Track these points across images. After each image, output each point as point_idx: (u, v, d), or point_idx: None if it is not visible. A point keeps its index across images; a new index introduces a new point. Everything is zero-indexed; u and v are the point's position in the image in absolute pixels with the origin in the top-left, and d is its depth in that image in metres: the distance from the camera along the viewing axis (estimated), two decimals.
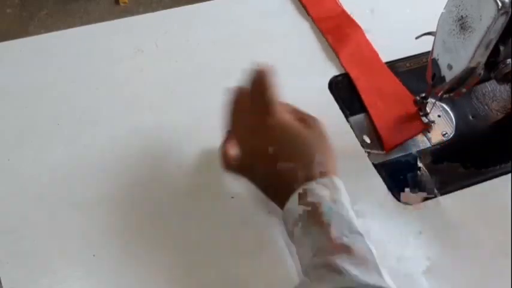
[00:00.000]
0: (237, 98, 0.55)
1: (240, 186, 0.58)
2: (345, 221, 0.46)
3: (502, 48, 0.54)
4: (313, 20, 0.73)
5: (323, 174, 0.49)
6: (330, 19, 0.73)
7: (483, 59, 0.54)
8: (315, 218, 0.47)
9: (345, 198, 0.49)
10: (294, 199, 0.48)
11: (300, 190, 0.48)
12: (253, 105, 0.53)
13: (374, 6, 0.76)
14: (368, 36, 0.72)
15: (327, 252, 0.45)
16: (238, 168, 0.54)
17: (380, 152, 0.62)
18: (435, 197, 0.59)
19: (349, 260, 0.44)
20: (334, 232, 0.45)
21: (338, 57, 0.69)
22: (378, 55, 0.70)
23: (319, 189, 0.48)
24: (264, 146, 0.51)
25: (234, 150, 0.54)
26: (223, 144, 0.55)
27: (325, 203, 0.47)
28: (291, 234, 0.50)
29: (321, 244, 0.46)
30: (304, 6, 0.74)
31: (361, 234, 0.46)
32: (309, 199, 0.47)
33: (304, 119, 0.54)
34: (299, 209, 0.48)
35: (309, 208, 0.47)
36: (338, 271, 0.43)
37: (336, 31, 0.72)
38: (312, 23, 0.74)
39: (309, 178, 0.49)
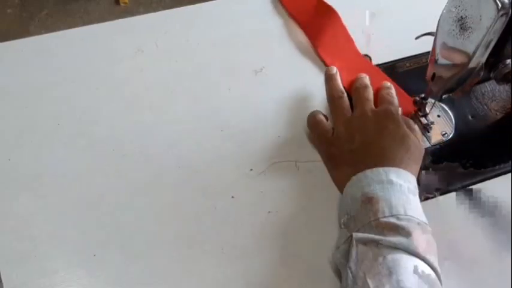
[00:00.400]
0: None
1: (240, 187, 0.58)
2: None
3: (501, 48, 0.54)
4: (292, 16, 0.73)
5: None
6: (306, 12, 0.73)
7: (483, 59, 0.54)
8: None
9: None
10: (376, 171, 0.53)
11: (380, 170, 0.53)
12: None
13: (374, 6, 0.76)
14: (368, 36, 0.72)
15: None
16: (327, 135, 0.60)
17: None
18: (434, 196, 0.59)
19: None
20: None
21: (317, 52, 0.70)
22: (353, 43, 0.71)
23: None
24: (368, 129, 0.57)
25: (327, 124, 0.61)
26: (320, 115, 0.61)
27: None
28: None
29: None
30: (283, 6, 0.75)
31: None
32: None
33: (411, 127, 0.60)
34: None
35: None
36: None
37: (312, 24, 0.72)
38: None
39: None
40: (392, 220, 0.49)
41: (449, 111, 0.66)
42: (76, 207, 0.56)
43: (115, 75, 0.67)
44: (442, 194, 0.59)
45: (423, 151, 0.58)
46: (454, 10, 0.53)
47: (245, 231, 0.55)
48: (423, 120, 0.64)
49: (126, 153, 0.60)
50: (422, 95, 0.63)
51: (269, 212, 0.56)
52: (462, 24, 0.52)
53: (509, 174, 0.61)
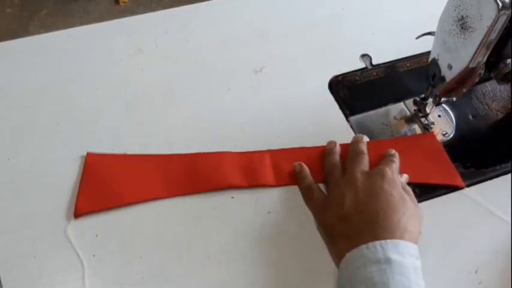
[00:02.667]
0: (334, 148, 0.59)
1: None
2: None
3: (502, 48, 0.54)
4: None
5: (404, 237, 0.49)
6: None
7: (483, 59, 0.53)
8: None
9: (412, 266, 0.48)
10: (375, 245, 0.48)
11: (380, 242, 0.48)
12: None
13: (374, 6, 0.76)
14: (369, 36, 0.72)
15: None
16: (319, 204, 0.55)
17: None
18: (435, 196, 0.59)
19: None
20: None
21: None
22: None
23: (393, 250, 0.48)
24: (362, 195, 0.52)
25: (320, 192, 0.57)
26: (310, 182, 0.57)
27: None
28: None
29: None
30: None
31: None
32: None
33: (406, 189, 0.55)
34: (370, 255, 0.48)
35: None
36: None
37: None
38: (312, 24, 0.74)
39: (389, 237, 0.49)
40: None
41: (450, 111, 0.66)
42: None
43: (115, 75, 0.66)
44: (442, 193, 0.59)
45: (422, 216, 0.53)
46: (454, 10, 0.53)
47: (245, 231, 0.55)
48: (424, 120, 0.64)
49: (126, 153, 0.60)
50: (423, 95, 0.63)
51: (269, 212, 0.56)
52: (462, 24, 0.52)
53: (510, 174, 0.61)
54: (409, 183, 0.57)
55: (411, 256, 0.48)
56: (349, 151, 0.58)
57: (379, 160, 0.58)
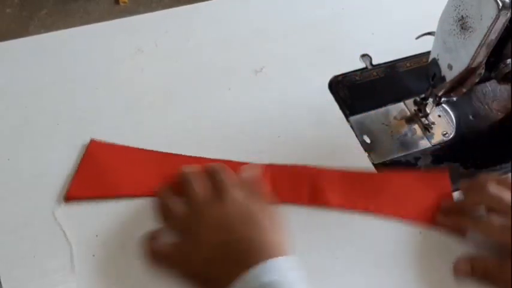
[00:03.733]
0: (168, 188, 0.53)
1: None
2: None
3: (502, 48, 0.54)
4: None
5: (276, 254, 0.46)
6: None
7: (483, 59, 0.53)
8: None
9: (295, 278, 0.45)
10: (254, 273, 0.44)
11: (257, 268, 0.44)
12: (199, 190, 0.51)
13: (374, 6, 0.76)
14: (369, 36, 0.72)
15: None
16: (172, 256, 0.49)
17: None
18: None
19: None
20: None
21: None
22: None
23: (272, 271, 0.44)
24: (213, 229, 0.48)
25: (165, 238, 0.51)
26: (150, 234, 0.51)
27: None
28: None
29: None
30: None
31: None
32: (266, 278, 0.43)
33: (252, 191, 0.52)
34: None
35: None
36: None
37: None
38: (312, 24, 0.74)
39: (262, 258, 0.45)
40: None
41: (450, 111, 0.66)
42: (76, 207, 0.55)
43: (115, 75, 0.66)
44: None
45: (275, 213, 0.50)
46: (454, 10, 0.53)
47: None
48: (424, 120, 0.64)
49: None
50: (423, 95, 0.63)
51: None
52: (463, 24, 0.52)
53: (510, 174, 0.61)
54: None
55: (287, 271, 0.45)
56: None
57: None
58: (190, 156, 0.59)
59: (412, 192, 0.58)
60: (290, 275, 0.44)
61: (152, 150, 0.59)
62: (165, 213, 0.52)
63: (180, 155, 0.59)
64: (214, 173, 0.52)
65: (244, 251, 0.46)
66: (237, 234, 0.47)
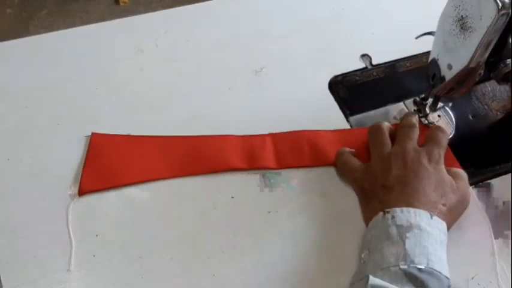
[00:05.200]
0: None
1: (240, 187, 0.58)
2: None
3: (502, 48, 0.54)
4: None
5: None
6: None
7: (483, 59, 0.54)
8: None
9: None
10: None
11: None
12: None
13: (374, 6, 0.76)
14: (369, 36, 0.72)
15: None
16: (360, 169, 0.57)
17: None
18: None
19: None
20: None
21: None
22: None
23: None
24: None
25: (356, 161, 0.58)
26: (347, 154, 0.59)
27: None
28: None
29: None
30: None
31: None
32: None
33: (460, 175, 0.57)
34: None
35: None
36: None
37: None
38: (312, 24, 0.74)
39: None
40: (413, 271, 0.46)
41: (449, 112, 0.66)
42: (76, 207, 0.55)
43: (115, 75, 0.66)
44: None
45: (467, 203, 0.56)
46: (454, 10, 0.53)
47: (245, 231, 0.55)
48: (424, 120, 0.64)
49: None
50: (423, 95, 0.63)
51: (269, 212, 0.56)
52: (462, 24, 0.52)
53: (510, 174, 0.61)
54: None
55: (440, 231, 0.50)
56: (401, 124, 0.60)
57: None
58: (192, 136, 0.61)
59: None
60: (443, 238, 0.51)
61: (151, 136, 0.61)
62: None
63: (182, 136, 0.61)
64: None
65: (417, 198, 0.52)
66: (420, 185, 0.53)
